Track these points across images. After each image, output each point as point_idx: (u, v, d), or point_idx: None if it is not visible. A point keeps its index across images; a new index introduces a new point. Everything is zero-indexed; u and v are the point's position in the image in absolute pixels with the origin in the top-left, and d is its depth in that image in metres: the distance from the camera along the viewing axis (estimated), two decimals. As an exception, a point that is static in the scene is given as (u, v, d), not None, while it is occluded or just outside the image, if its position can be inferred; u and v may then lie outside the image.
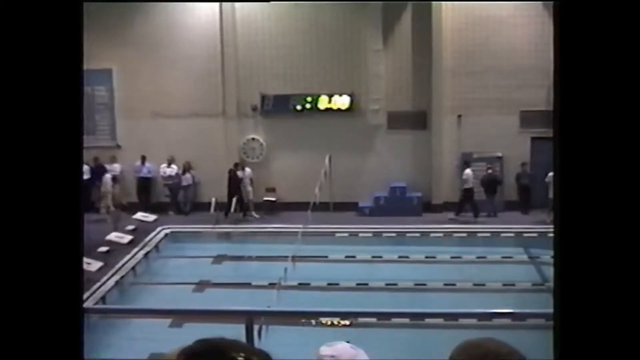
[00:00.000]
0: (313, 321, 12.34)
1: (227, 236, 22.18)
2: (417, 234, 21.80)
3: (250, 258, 20.71)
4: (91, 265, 18.06)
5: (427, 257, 19.82)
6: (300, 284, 17.46)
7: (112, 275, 18.07)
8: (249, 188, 25.16)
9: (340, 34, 25.42)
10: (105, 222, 22.92)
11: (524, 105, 24.26)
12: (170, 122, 25.92)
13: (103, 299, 16.48)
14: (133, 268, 19.02)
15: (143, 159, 26.06)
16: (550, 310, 2.02)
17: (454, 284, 17.32)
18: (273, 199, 25.57)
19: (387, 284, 17.49)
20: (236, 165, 25.06)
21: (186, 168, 25.74)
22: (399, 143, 25.52)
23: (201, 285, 18.05)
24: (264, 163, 25.90)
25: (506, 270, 18.49)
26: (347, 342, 2.98)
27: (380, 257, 19.95)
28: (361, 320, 10.61)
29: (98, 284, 17.16)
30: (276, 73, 25.64)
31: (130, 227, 22.13)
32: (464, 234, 21.62)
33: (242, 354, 1.91)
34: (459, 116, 25.10)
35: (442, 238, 21.46)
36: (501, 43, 24.62)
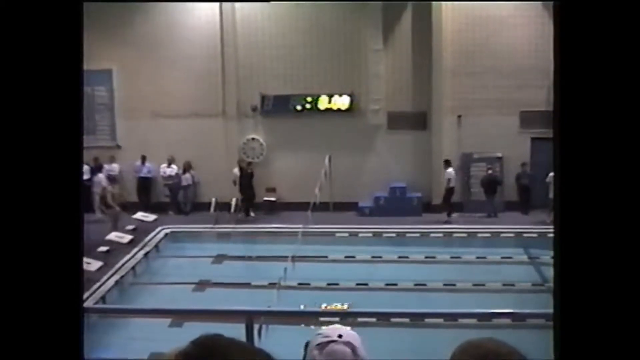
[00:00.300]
0: (313, 321, 12.38)
1: (227, 236, 22.16)
2: (417, 234, 21.81)
3: (250, 258, 20.73)
4: (91, 265, 18.08)
5: (426, 258, 19.84)
6: (300, 283, 17.48)
7: (112, 275, 18.08)
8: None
9: (340, 34, 25.42)
10: (105, 222, 22.93)
11: (524, 106, 24.26)
12: (170, 122, 25.92)
13: (103, 298, 16.50)
14: (133, 268, 19.05)
15: (143, 158, 26.06)
16: (550, 310, 2.02)
17: (454, 284, 17.33)
18: (273, 199, 25.57)
19: (386, 284, 17.51)
20: (249, 164, 25.15)
21: (186, 168, 25.75)
22: (399, 143, 25.51)
23: (201, 285, 18.07)
24: (264, 163, 25.88)
25: (506, 271, 18.50)
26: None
27: (380, 257, 19.96)
28: (361, 320, 10.61)
29: (98, 284, 17.18)
30: (276, 73, 25.64)
31: (130, 227, 22.15)
32: (464, 235, 21.62)
33: (243, 353, 1.90)
34: (459, 116, 25.10)
35: (442, 238, 21.48)
36: (501, 43, 24.62)
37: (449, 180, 23.84)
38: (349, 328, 2.89)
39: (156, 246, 21.23)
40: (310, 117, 25.51)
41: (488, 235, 21.42)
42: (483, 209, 24.17)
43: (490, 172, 24.58)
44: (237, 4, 25.45)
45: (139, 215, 23.20)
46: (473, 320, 11.03)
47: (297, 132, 25.63)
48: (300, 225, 20.31)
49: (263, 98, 25.82)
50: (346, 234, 21.82)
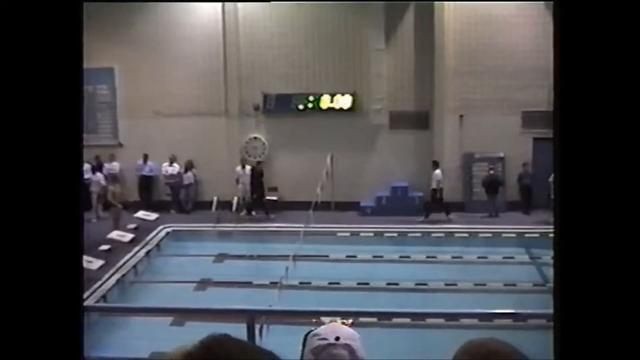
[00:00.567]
0: (314, 320, 12.35)
1: (228, 235, 22.17)
2: (419, 234, 21.82)
3: (251, 257, 20.72)
4: (92, 263, 18.12)
5: (428, 257, 19.83)
6: (301, 283, 17.48)
7: (113, 273, 18.09)
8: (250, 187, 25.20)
9: (342, 34, 25.42)
10: (106, 220, 22.96)
11: (526, 106, 24.24)
12: (172, 121, 25.94)
13: (104, 297, 16.51)
14: (134, 266, 19.05)
15: (145, 157, 26.07)
16: (551, 310, 2.02)
17: (455, 284, 17.33)
18: (275, 198, 25.55)
19: (388, 284, 17.51)
20: (258, 163, 25.19)
21: (188, 167, 25.75)
22: (401, 143, 25.51)
23: (202, 284, 18.07)
24: (266, 162, 25.85)
25: (507, 271, 18.48)
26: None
27: (382, 256, 19.96)
28: (362, 319, 10.61)
29: (99, 282, 17.19)
30: (278, 72, 25.64)
31: (132, 226, 22.18)
32: (466, 234, 21.61)
33: (249, 354, 1.90)
34: (461, 116, 25.09)
35: (444, 238, 21.47)
36: (503, 43, 24.60)
37: (438, 181, 23.86)
38: (346, 327, 2.84)
39: (157, 245, 21.25)
40: (312, 116, 25.52)
41: (490, 235, 21.41)
42: (485, 209, 24.17)
43: (492, 172, 24.58)
44: (240, 4, 25.45)
45: (141, 214, 23.23)
46: (474, 321, 11.01)
47: (299, 132, 25.64)
48: (302, 225, 20.31)
49: (265, 97, 25.84)
50: (348, 234, 21.82)
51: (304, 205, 22.10)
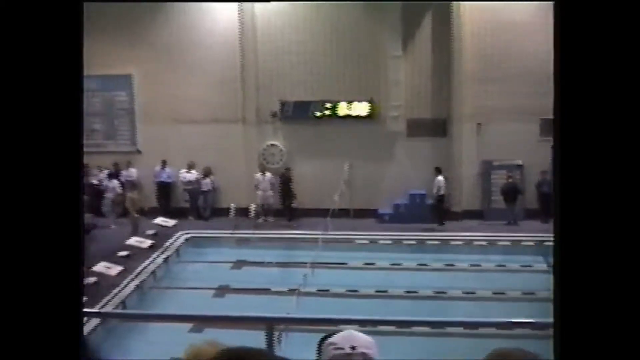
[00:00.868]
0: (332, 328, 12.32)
1: (246, 242, 22.19)
2: (437, 242, 21.75)
3: (269, 264, 20.75)
4: (111, 269, 18.21)
5: (446, 265, 19.77)
6: (319, 290, 17.47)
7: (132, 279, 18.16)
8: (269, 192, 25.22)
9: (359, 40, 25.40)
10: (125, 226, 23.05)
11: (544, 113, 24.03)
12: (190, 127, 26.02)
13: (123, 303, 16.58)
14: (153, 272, 19.10)
15: (163, 164, 26.15)
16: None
17: (474, 292, 17.26)
18: (293, 205, 25.57)
19: (406, 292, 17.46)
20: (287, 169, 25.27)
21: (206, 173, 25.81)
22: (419, 150, 25.44)
23: (221, 290, 18.10)
24: (282, 170, 25.86)
25: (526, 279, 18.38)
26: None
27: (400, 264, 19.91)
28: (380, 328, 10.57)
29: (118, 288, 17.27)
30: (295, 79, 25.67)
31: (151, 232, 22.25)
32: (484, 242, 21.51)
33: None
34: (479, 124, 25.00)
35: (462, 246, 21.38)
36: (522, 49, 24.42)
37: (439, 188, 23.80)
38: (362, 335, 2.82)
39: (176, 251, 21.30)
40: (330, 123, 25.51)
41: (508, 243, 21.31)
42: (503, 217, 24.06)
43: (510, 179, 24.49)
44: (257, 10, 25.51)
45: (159, 220, 23.32)
46: (493, 329, 10.96)
47: (317, 138, 25.65)
48: (320, 232, 20.30)
49: (282, 104, 25.86)
50: (366, 241, 21.79)
51: (321, 213, 22.10)
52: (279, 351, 6.13)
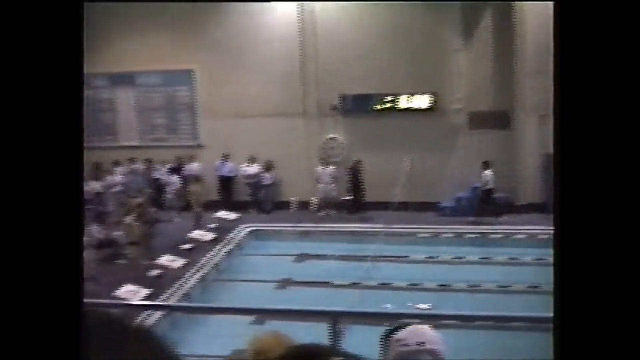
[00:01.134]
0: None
1: (308, 235, 22.26)
2: (499, 235, 21.48)
3: (331, 257, 20.77)
4: (174, 262, 18.46)
5: (510, 259, 19.51)
6: (381, 284, 17.43)
7: (195, 272, 18.38)
8: (331, 186, 25.23)
9: (420, 33, 25.21)
10: (188, 219, 23.34)
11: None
12: (251, 121, 26.20)
13: (186, 295, 16.80)
14: (215, 265, 19.31)
15: (225, 157, 26.39)
16: None
17: (537, 286, 17.00)
18: (361, 197, 25.48)
19: (468, 285, 17.31)
20: (357, 162, 25.20)
21: (267, 167, 25.96)
22: (480, 143, 25.14)
23: (282, 283, 18.20)
24: (344, 163, 25.87)
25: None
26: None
27: (462, 257, 19.73)
28: (443, 322, 10.50)
29: (181, 281, 17.51)
30: (356, 73, 25.59)
31: (213, 225, 22.48)
32: (546, 236, 21.14)
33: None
34: (542, 116, 24.58)
35: (525, 239, 21.05)
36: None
37: (486, 182, 23.47)
38: (428, 327, 2.78)
39: (238, 244, 21.49)
40: (390, 116, 25.42)
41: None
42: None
43: (573, 172, 24.04)
44: (317, 6, 25.53)
45: (221, 213, 23.55)
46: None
47: (377, 132, 25.58)
48: (381, 225, 20.24)
49: (342, 98, 25.84)
50: (427, 234, 21.65)
51: (382, 206, 22.03)
52: (342, 344, 6.11)
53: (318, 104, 26.15)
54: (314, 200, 24.81)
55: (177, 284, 17.29)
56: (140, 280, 16.96)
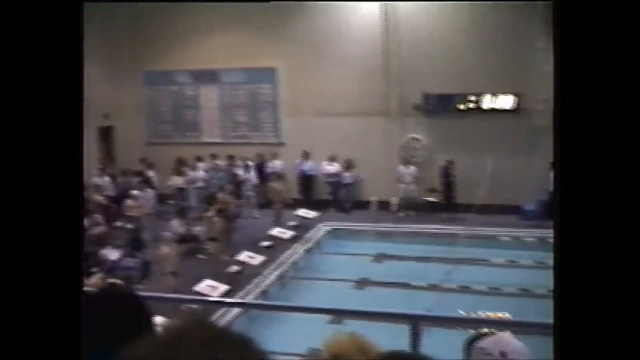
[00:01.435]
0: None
1: (387, 235, 22.16)
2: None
3: (410, 258, 20.62)
4: (254, 259, 18.65)
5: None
6: (460, 287, 17.22)
7: (274, 269, 18.51)
8: (413, 186, 25.04)
9: (504, 32, 24.78)
10: (268, 216, 23.52)
11: None
12: (332, 120, 26.22)
13: (265, 292, 16.94)
14: (294, 263, 19.41)
15: (305, 156, 26.48)
16: None
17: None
18: (434, 199, 25.26)
19: (549, 291, 16.89)
20: (450, 162, 24.92)
21: (347, 166, 25.93)
22: (566, 145, 24.56)
23: (361, 283, 18.17)
24: (426, 163, 25.64)
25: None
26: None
27: (543, 263, 19.29)
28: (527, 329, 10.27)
29: (259, 278, 17.67)
30: (439, 72, 25.33)
31: (292, 223, 22.61)
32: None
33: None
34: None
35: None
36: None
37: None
38: (510, 334, 2.73)
39: (317, 242, 21.56)
40: (473, 116, 25.07)
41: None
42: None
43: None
44: (400, 4, 25.38)
45: (301, 211, 23.67)
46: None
47: (460, 132, 25.26)
48: (461, 227, 20.00)
49: (425, 97, 25.61)
50: (509, 238, 21.27)
51: (463, 208, 21.75)
52: (421, 347, 6.04)
53: (400, 103, 25.99)
54: (394, 200, 24.65)
55: (256, 280, 17.45)
56: (219, 276, 17.19)
